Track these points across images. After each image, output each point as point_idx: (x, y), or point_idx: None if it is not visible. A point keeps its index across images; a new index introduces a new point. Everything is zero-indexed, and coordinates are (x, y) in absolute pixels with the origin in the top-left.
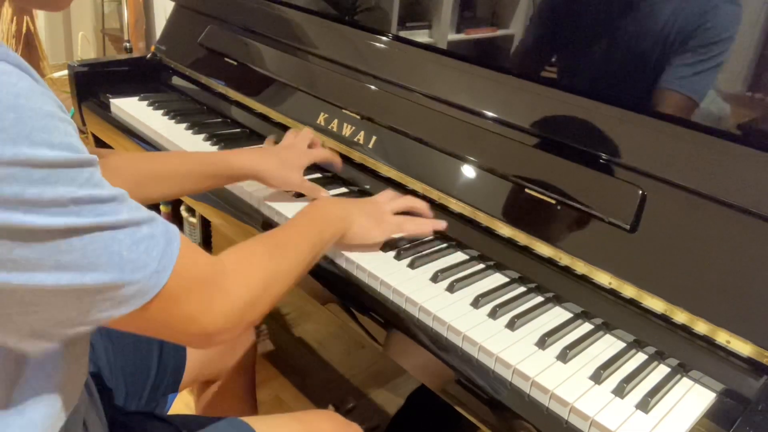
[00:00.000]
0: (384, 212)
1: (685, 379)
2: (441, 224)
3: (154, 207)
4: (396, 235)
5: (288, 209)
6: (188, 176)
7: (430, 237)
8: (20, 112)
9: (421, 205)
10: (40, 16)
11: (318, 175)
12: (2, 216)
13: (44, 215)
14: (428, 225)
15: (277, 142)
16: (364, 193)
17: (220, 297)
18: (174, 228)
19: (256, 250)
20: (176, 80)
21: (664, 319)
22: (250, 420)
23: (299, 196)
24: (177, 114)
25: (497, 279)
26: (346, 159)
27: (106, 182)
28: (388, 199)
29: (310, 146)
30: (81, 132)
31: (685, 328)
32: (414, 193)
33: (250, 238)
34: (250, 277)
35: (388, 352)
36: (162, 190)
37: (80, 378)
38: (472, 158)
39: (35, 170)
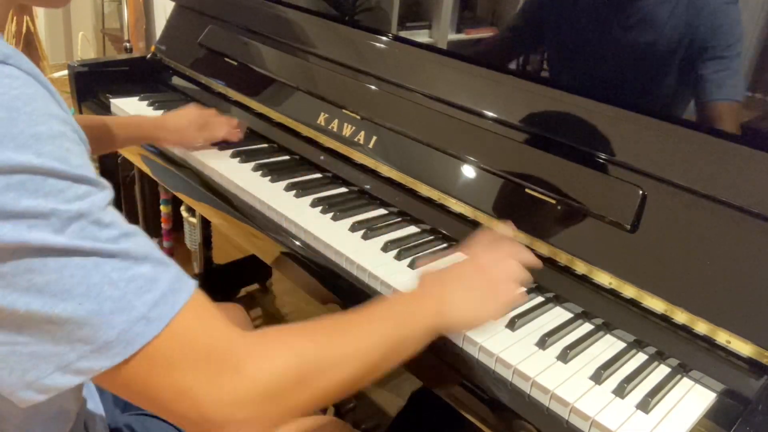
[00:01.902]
0: (499, 290)
1: (685, 379)
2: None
3: (155, 208)
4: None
5: (289, 210)
6: (107, 140)
7: (430, 237)
8: (12, 114)
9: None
10: (40, 16)
11: (318, 175)
12: None
13: (20, 227)
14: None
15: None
16: (364, 193)
17: (231, 378)
18: (192, 283)
19: (299, 332)
20: (176, 80)
21: (665, 319)
22: None
23: (299, 196)
24: None
25: None
26: (346, 159)
27: (115, 213)
28: (511, 275)
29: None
30: None
31: (685, 328)
32: (413, 193)
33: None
34: (279, 362)
35: None
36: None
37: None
38: (472, 158)
39: (14, 175)
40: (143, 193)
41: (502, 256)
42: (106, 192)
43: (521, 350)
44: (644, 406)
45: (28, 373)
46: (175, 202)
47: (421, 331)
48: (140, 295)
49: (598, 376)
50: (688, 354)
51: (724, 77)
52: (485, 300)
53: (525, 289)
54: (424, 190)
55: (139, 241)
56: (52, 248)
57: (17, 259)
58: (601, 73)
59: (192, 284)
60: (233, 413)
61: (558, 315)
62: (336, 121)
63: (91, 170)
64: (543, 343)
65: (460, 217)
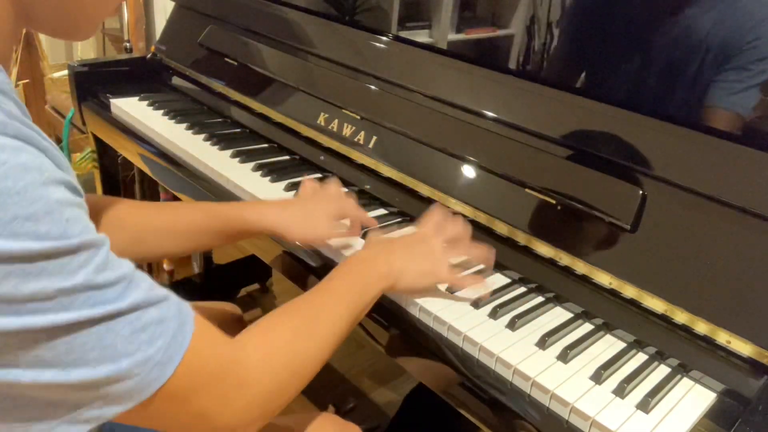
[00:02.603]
0: (438, 259)
1: (685, 379)
2: (490, 269)
3: None
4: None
5: None
6: (196, 233)
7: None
8: (3, 198)
9: (483, 256)
10: None
11: (318, 175)
12: None
13: (24, 315)
14: (482, 283)
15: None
16: (364, 193)
17: (239, 390)
18: (187, 307)
19: (283, 329)
20: (176, 80)
21: (665, 319)
22: None
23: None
24: (177, 114)
25: (497, 279)
26: (346, 159)
27: (113, 262)
28: (436, 230)
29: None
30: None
31: (685, 329)
32: (413, 193)
33: (280, 308)
34: (275, 364)
35: (389, 353)
36: (165, 246)
37: None
38: (472, 158)
39: (14, 265)
40: (143, 193)
41: (432, 231)
42: (105, 246)
43: (521, 350)
44: (644, 406)
45: (33, 427)
46: None
47: (375, 295)
48: (153, 342)
49: (598, 376)
50: (688, 354)
51: (739, 88)
52: (426, 267)
53: (483, 272)
54: (424, 190)
55: (139, 283)
56: (60, 327)
57: (21, 343)
58: (601, 73)
59: (188, 309)
60: (244, 419)
61: (558, 315)
62: (336, 121)
63: (88, 229)
64: (543, 343)
65: (461, 216)
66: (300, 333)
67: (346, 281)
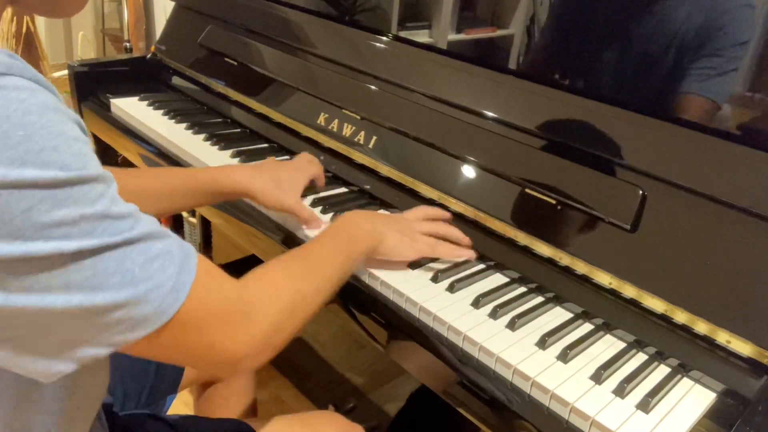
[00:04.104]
0: (414, 231)
1: (685, 379)
2: (471, 254)
3: None
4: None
5: None
6: (177, 195)
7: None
8: (29, 130)
9: (457, 234)
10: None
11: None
12: (12, 247)
13: (55, 240)
14: (459, 252)
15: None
16: (364, 193)
17: (244, 323)
18: (189, 245)
19: (282, 272)
20: (176, 80)
21: (665, 319)
22: (252, 422)
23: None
24: (177, 114)
25: (498, 279)
26: (346, 159)
27: (120, 198)
28: (418, 218)
29: (314, 178)
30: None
31: (685, 329)
32: (413, 193)
33: (276, 257)
34: (276, 301)
35: (388, 353)
36: (153, 206)
37: (97, 401)
38: (472, 158)
39: (45, 191)
40: None
41: (414, 217)
42: (111, 181)
43: (521, 350)
44: (644, 406)
45: (60, 353)
46: None
47: (362, 251)
48: (165, 270)
49: (598, 376)
50: (688, 354)
51: (712, 74)
52: (405, 236)
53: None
54: (424, 190)
55: (144, 219)
56: (85, 251)
57: (53, 266)
58: (601, 73)
59: (191, 247)
60: (250, 350)
61: (558, 315)
62: (336, 121)
63: (98, 163)
64: (543, 343)
65: (460, 217)
66: (297, 276)
67: (335, 237)
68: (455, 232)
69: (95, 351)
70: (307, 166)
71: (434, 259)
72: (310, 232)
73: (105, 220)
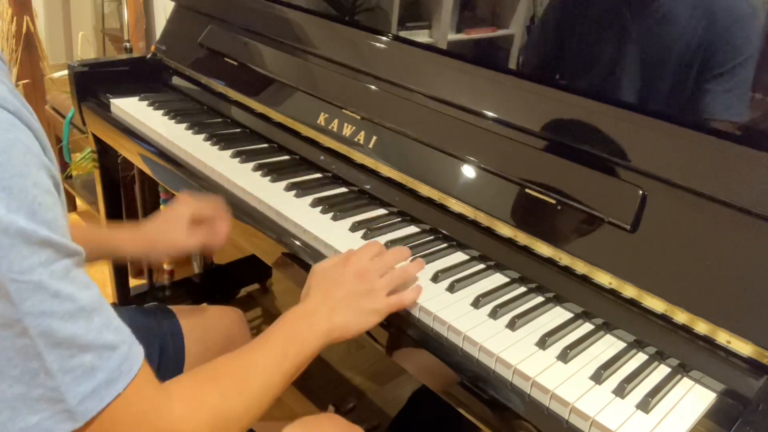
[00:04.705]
0: (375, 284)
1: (685, 379)
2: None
3: (155, 208)
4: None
5: (289, 210)
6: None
7: (430, 237)
8: None
9: (410, 273)
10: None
11: (318, 175)
12: None
13: None
14: (418, 292)
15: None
16: (364, 193)
17: None
18: (133, 362)
19: (211, 388)
20: (176, 80)
21: (665, 319)
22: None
23: (299, 196)
24: (177, 114)
25: (498, 279)
26: (346, 159)
27: (77, 280)
28: (372, 255)
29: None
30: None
31: (685, 328)
32: (413, 193)
33: (212, 364)
34: (201, 419)
35: (388, 353)
36: None
37: None
38: (472, 158)
39: None
40: (143, 193)
41: (367, 256)
42: (76, 256)
43: (521, 350)
44: (644, 406)
45: None
46: None
47: (313, 350)
48: (73, 387)
49: (598, 376)
50: (688, 354)
51: (732, 97)
52: (367, 307)
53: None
54: (424, 190)
55: (93, 319)
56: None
57: None
58: (601, 73)
59: (137, 364)
60: None
61: (558, 315)
62: (336, 121)
63: (58, 229)
64: (543, 343)
65: (460, 217)
66: (228, 393)
67: (283, 339)
68: (410, 271)
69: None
70: (182, 206)
71: (435, 259)
72: (302, 223)
73: (37, 291)
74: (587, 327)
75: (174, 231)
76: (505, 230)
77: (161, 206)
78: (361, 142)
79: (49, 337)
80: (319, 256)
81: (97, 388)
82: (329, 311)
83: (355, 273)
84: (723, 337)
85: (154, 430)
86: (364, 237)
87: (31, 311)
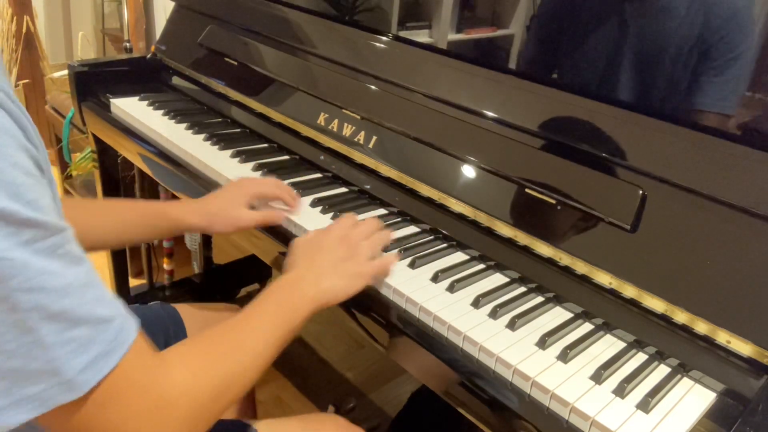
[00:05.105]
0: (357, 249)
1: (685, 379)
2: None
3: None
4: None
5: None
6: (130, 228)
7: (430, 237)
8: None
9: (385, 239)
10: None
11: (318, 175)
12: None
13: None
14: (396, 257)
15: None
16: (364, 193)
17: (160, 410)
18: (127, 334)
19: (207, 354)
20: (176, 80)
21: (665, 319)
22: (254, 423)
23: (299, 196)
24: (177, 114)
25: (498, 279)
26: (346, 159)
27: (67, 255)
28: (352, 224)
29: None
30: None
31: (685, 328)
32: (413, 193)
33: (208, 331)
34: (197, 387)
35: (388, 353)
36: (102, 241)
37: None
38: (472, 158)
39: None
40: (143, 193)
41: (348, 225)
42: (62, 232)
43: (521, 350)
44: (644, 406)
45: None
46: None
47: (304, 316)
48: (71, 359)
49: (598, 376)
50: (688, 354)
51: (725, 89)
52: (352, 271)
53: (393, 252)
54: (424, 190)
55: (82, 294)
56: None
57: None
58: (601, 73)
59: (131, 336)
60: None
61: (558, 315)
62: (336, 121)
63: (48, 207)
64: (543, 343)
65: (460, 217)
66: (224, 358)
67: (273, 307)
68: (385, 238)
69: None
70: (248, 182)
71: (435, 259)
72: (302, 223)
73: (23, 270)
74: (587, 327)
75: (234, 207)
76: (505, 230)
77: None
78: (361, 142)
79: (41, 311)
80: None
81: (95, 359)
82: (315, 277)
83: (338, 239)
84: (723, 337)
85: (155, 396)
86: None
87: (19, 288)
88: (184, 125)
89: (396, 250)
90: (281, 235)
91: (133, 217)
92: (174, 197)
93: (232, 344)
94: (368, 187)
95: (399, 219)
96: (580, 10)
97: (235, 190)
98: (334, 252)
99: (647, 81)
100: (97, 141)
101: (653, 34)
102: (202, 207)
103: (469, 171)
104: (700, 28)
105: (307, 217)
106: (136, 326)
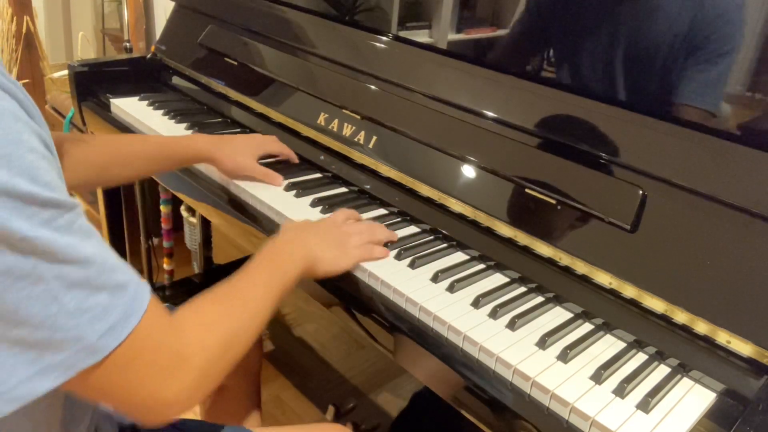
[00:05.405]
0: (347, 239)
1: (685, 379)
2: (394, 236)
3: (155, 208)
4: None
5: (289, 210)
6: (151, 159)
7: (430, 237)
8: None
9: (383, 237)
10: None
11: (318, 175)
12: None
13: None
14: (384, 250)
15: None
16: (364, 193)
17: (176, 365)
18: (142, 298)
19: (213, 312)
20: (176, 80)
21: (665, 319)
22: (256, 430)
23: (299, 196)
24: (177, 114)
25: (498, 279)
26: (346, 159)
27: (80, 229)
28: (345, 218)
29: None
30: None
31: (685, 328)
32: (413, 193)
33: (209, 292)
34: (208, 341)
35: (388, 353)
36: (124, 173)
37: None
38: (472, 158)
39: None
40: (143, 193)
41: (342, 218)
42: (74, 210)
43: (521, 350)
44: (644, 406)
45: None
46: (175, 202)
47: (295, 277)
48: (92, 324)
49: (598, 376)
50: (688, 354)
51: (708, 85)
52: (339, 248)
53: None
54: (424, 190)
55: (102, 265)
56: (12, 273)
57: None
58: (601, 73)
59: (146, 300)
60: (183, 394)
61: (558, 315)
62: (336, 121)
63: (58, 188)
64: (543, 343)
65: (460, 217)
66: (228, 315)
67: (267, 267)
68: (381, 233)
69: (15, 392)
70: (261, 138)
71: (435, 259)
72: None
73: (47, 249)
74: (587, 327)
75: (244, 155)
76: (505, 230)
77: (161, 206)
78: (361, 142)
79: (64, 280)
80: None
81: (115, 324)
82: (303, 241)
83: (329, 222)
84: (723, 337)
85: (171, 355)
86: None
87: (43, 260)
88: (184, 125)
89: (395, 250)
90: None
91: (151, 149)
92: (175, 198)
93: (236, 303)
94: (368, 187)
95: (399, 219)
96: (579, 10)
97: (250, 140)
98: (325, 230)
99: (647, 81)
100: None
101: (651, 33)
102: (213, 138)
103: (469, 171)
104: (700, 27)
105: (307, 217)
106: (149, 290)
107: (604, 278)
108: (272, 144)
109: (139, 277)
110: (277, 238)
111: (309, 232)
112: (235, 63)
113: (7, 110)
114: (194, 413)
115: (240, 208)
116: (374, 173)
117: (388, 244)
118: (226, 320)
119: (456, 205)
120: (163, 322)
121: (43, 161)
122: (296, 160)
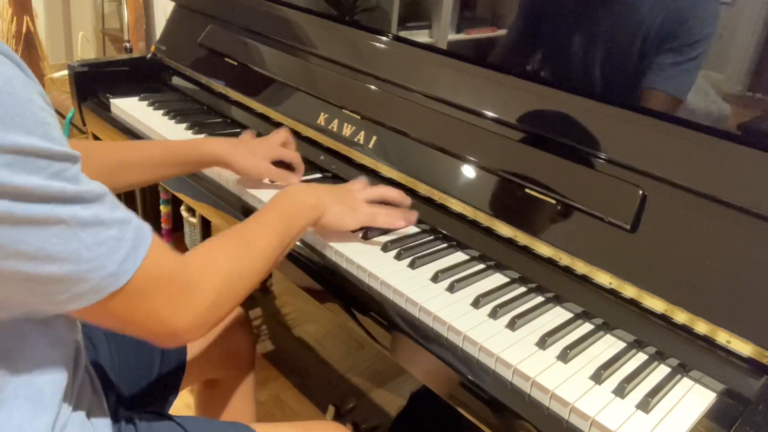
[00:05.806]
0: (357, 200)
1: (685, 379)
2: (413, 216)
3: (155, 208)
4: (379, 229)
5: None
6: (160, 164)
7: (430, 237)
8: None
9: (395, 194)
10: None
11: (318, 175)
12: None
13: (6, 200)
14: (400, 219)
15: (259, 135)
16: None
17: (185, 300)
18: (146, 231)
19: (222, 252)
20: (176, 80)
21: (665, 319)
22: (256, 426)
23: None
24: (177, 114)
25: (498, 279)
26: (346, 159)
27: (84, 179)
28: (361, 187)
29: (283, 145)
30: (81, 132)
31: (685, 328)
32: (413, 193)
33: (218, 236)
34: (215, 280)
35: (387, 352)
36: (134, 177)
37: (74, 338)
38: (472, 158)
39: (6, 156)
40: (143, 193)
41: (357, 187)
42: (76, 160)
43: (521, 350)
44: (644, 406)
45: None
46: (175, 202)
47: (304, 224)
48: (110, 255)
49: (598, 376)
50: (688, 354)
51: (676, 72)
52: (349, 207)
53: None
54: (424, 190)
55: (105, 203)
56: (36, 219)
57: (7, 227)
58: (601, 73)
59: (147, 233)
60: (192, 322)
61: (558, 315)
62: (336, 121)
63: (63, 139)
64: (543, 343)
65: (460, 216)
66: (235, 256)
67: (277, 212)
68: (393, 193)
69: (41, 310)
70: (274, 139)
71: (435, 259)
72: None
73: (61, 195)
74: (587, 327)
75: (259, 157)
76: (505, 230)
77: (161, 206)
78: (361, 142)
79: (79, 219)
80: (318, 257)
81: (128, 253)
82: (314, 191)
83: (345, 186)
84: (723, 337)
85: (182, 284)
86: (364, 237)
87: (59, 204)
88: (184, 125)
89: (395, 250)
90: None
91: (161, 154)
92: (175, 198)
93: (242, 246)
94: None
95: None
96: (575, 9)
97: (266, 144)
98: (337, 191)
99: (648, 81)
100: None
101: (651, 33)
102: (225, 140)
103: (468, 171)
104: (669, 15)
105: None
106: (149, 226)
107: (604, 278)
108: (286, 152)
109: (135, 214)
110: (288, 188)
111: (323, 188)
112: (235, 63)
113: (14, 75)
114: (189, 409)
115: (239, 209)
116: (374, 173)
117: (390, 242)
118: (232, 258)
119: (456, 205)
120: (171, 257)
121: (52, 118)
122: (302, 170)
